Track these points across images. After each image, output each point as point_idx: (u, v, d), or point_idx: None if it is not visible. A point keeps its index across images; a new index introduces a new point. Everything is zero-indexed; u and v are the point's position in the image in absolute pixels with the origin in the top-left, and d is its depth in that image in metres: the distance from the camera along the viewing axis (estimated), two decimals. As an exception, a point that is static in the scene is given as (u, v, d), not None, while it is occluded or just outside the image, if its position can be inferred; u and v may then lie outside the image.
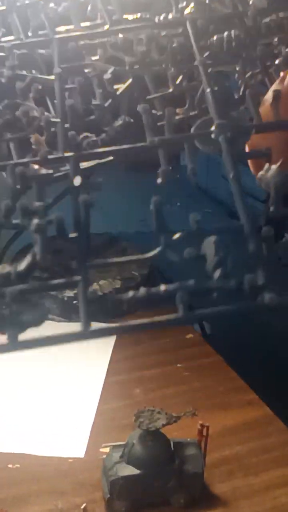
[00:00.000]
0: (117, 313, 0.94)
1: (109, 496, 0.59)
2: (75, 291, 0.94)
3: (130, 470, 0.59)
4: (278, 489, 0.64)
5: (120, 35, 0.35)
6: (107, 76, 0.33)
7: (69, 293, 0.94)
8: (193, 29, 0.32)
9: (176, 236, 0.22)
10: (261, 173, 0.25)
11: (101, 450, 0.68)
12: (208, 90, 0.28)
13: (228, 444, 0.69)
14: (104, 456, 0.63)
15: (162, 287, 0.21)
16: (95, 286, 0.96)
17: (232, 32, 0.33)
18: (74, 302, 0.93)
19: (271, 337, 0.91)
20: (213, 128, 0.27)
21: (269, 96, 0.31)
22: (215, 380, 0.80)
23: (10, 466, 0.66)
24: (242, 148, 0.28)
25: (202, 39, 0.33)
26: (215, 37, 0.34)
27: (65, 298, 0.94)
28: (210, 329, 0.98)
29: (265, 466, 0.67)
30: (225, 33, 0.33)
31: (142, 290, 0.21)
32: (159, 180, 0.26)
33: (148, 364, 0.84)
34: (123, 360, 0.85)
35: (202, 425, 0.62)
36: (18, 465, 0.66)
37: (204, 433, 0.62)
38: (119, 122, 0.31)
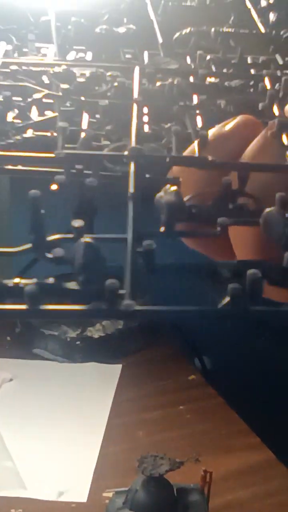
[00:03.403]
0: (121, 354, 0.95)
1: None
2: (77, 332, 0.95)
3: (133, 517, 0.58)
4: (282, 535, 0.63)
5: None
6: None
7: (72, 334, 0.94)
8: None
9: None
10: (158, 194, 0.24)
11: (104, 495, 0.67)
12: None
13: (231, 488, 0.69)
14: (107, 501, 0.62)
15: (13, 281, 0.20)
16: (98, 326, 0.96)
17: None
18: (77, 342, 0.93)
19: (274, 375, 0.90)
20: (126, 152, 0.26)
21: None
22: (218, 423, 0.80)
23: (13, 511, 0.65)
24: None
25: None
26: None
27: (68, 339, 0.94)
28: (211, 364, 0.97)
29: (268, 511, 0.66)
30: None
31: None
32: (53, 187, 0.25)
33: (150, 406, 0.83)
34: (125, 402, 0.85)
35: (205, 471, 0.61)
36: (21, 510, 0.65)
37: (207, 479, 0.61)
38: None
